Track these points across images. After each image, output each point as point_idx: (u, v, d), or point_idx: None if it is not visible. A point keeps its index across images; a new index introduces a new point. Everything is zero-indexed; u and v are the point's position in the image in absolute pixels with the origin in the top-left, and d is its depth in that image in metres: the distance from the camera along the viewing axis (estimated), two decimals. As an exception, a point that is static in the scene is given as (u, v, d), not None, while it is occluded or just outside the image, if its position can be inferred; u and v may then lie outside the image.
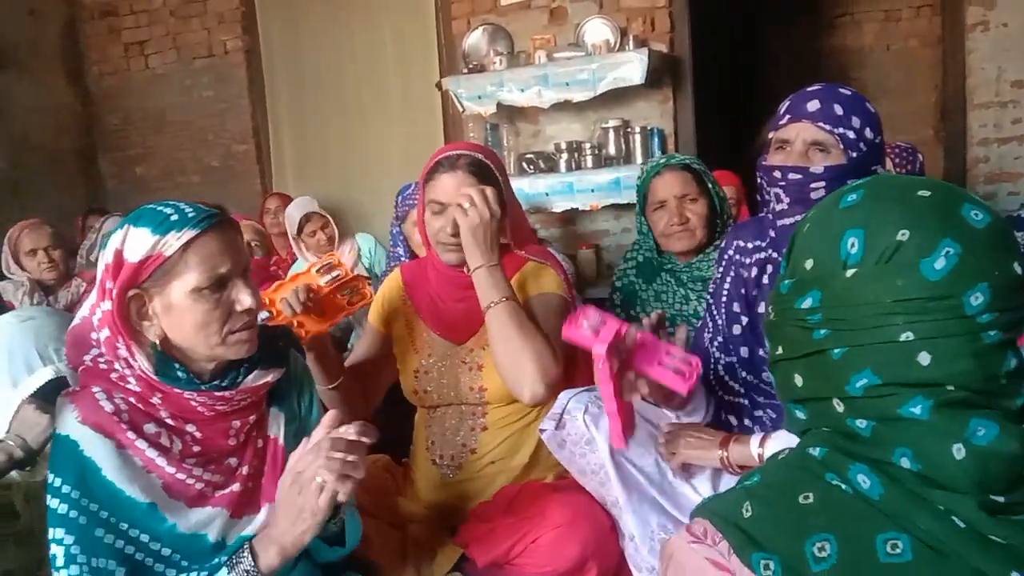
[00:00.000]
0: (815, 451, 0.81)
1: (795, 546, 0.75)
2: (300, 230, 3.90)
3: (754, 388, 1.66)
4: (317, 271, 1.79)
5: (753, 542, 0.77)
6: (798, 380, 0.84)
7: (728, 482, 1.62)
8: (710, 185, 2.39)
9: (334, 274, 1.78)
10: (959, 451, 0.73)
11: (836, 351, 0.79)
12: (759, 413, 1.68)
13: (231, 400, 1.31)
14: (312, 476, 1.18)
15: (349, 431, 1.21)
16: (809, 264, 0.83)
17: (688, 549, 0.82)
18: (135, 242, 1.22)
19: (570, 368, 1.76)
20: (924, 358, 0.75)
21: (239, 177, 5.17)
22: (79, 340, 1.31)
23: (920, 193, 0.80)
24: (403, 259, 2.89)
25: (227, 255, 1.25)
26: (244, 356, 1.30)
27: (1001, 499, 0.73)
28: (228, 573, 1.22)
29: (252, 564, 1.21)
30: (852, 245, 0.79)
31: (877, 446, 0.77)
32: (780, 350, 0.86)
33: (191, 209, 1.25)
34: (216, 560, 1.25)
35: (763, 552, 0.75)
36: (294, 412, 1.45)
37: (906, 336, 0.75)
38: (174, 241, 1.21)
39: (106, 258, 1.25)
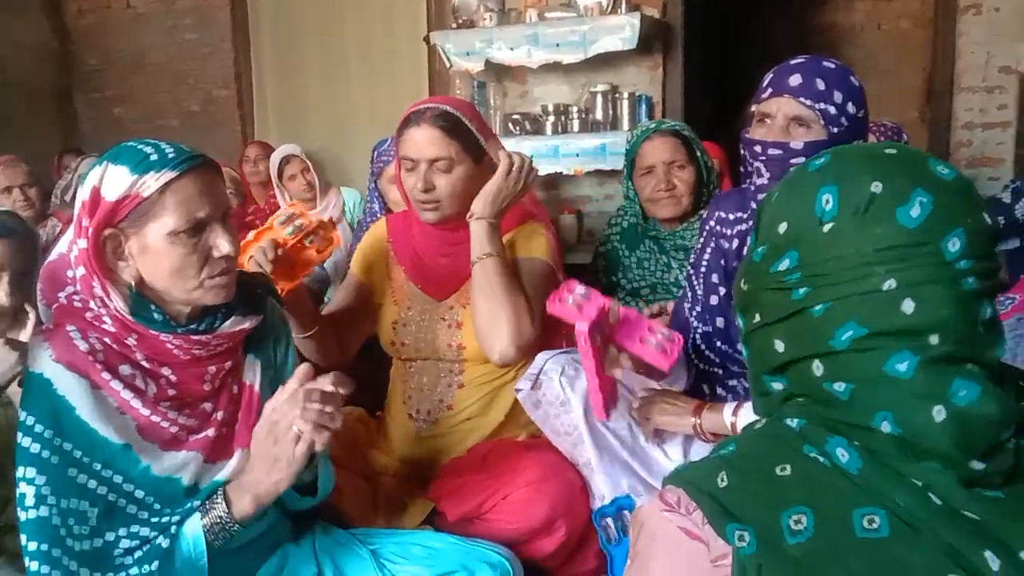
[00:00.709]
0: (793, 422, 0.81)
1: (771, 518, 0.74)
2: (281, 175, 3.86)
3: (729, 358, 1.67)
4: (280, 224, 1.75)
5: (728, 513, 0.76)
6: (778, 346, 0.82)
7: (699, 448, 1.64)
8: (699, 153, 2.39)
9: (297, 223, 1.74)
10: (939, 413, 0.73)
11: (818, 308, 0.78)
12: (733, 383, 1.70)
13: (207, 344, 1.29)
14: (288, 426, 1.17)
15: (325, 382, 1.20)
16: (783, 228, 0.83)
17: (661, 517, 0.81)
18: (113, 180, 1.20)
19: (548, 333, 1.76)
20: (908, 306, 0.75)
21: (219, 123, 5.09)
22: (54, 277, 1.29)
23: (887, 151, 0.81)
24: (379, 215, 2.87)
25: (206, 199, 1.22)
26: (221, 302, 1.29)
27: (980, 465, 0.73)
28: (201, 518, 1.22)
29: (226, 510, 1.21)
30: (827, 201, 0.80)
31: (855, 410, 0.77)
32: (757, 318, 0.85)
33: (172, 149, 1.22)
34: (189, 504, 1.25)
35: (738, 523, 0.75)
36: (270, 360, 1.44)
37: (888, 285, 0.75)
38: (152, 182, 1.18)
39: (83, 195, 1.22)
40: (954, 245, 0.75)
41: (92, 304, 1.25)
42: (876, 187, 0.78)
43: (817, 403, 0.80)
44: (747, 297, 0.87)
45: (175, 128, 5.11)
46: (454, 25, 4.01)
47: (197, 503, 1.25)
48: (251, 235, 1.76)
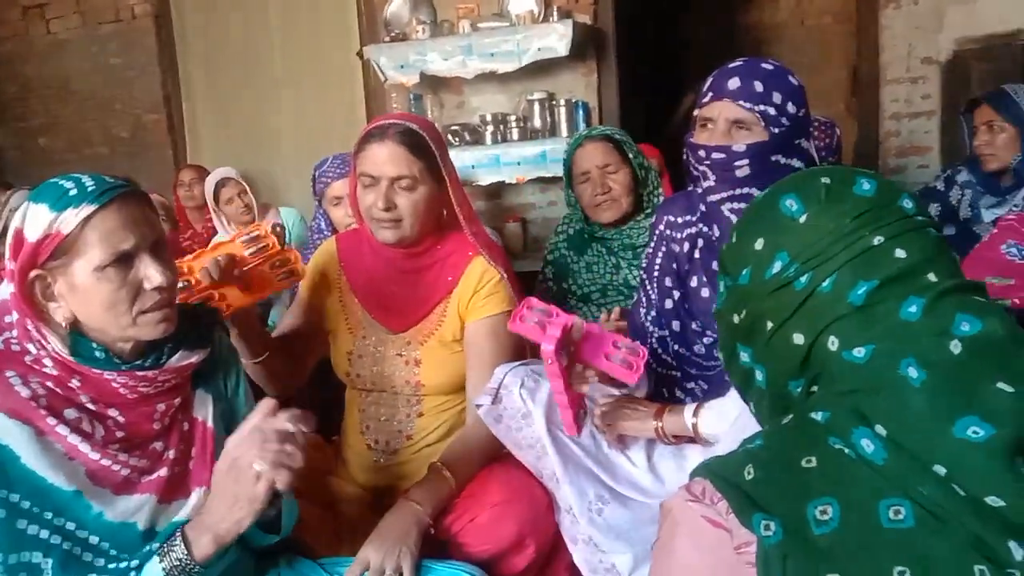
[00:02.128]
0: (818, 415, 0.82)
1: (797, 508, 0.75)
2: (217, 199, 3.79)
3: (686, 360, 1.68)
4: (242, 242, 1.70)
5: (754, 503, 0.77)
6: (797, 338, 0.87)
7: (662, 452, 1.65)
8: (631, 155, 2.42)
9: (260, 246, 1.69)
10: (956, 347, 0.78)
11: (825, 284, 0.86)
12: (691, 385, 1.71)
13: (154, 381, 1.25)
14: (249, 464, 1.13)
15: (283, 420, 1.17)
16: (759, 243, 0.91)
17: (685, 507, 0.84)
18: (33, 220, 1.16)
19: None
20: (900, 252, 0.84)
21: (150, 148, 4.98)
22: None
23: (820, 172, 0.94)
24: (326, 234, 2.82)
25: (129, 229, 1.17)
26: (160, 336, 1.24)
27: (1009, 388, 0.75)
28: (160, 562, 1.17)
29: (185, 552, 1.16)
30: (791, 204, 0.90)
31: (877, 371, 0.79)
32: (769, 325, 0.89)
33: (92, 182, 1.18)
34: (147, 548, 1.20)
35: (764, 513, 0.76)
36: (221, 392, 1.40)
37: (878, 240, 0.85)
38: (72, 218, 1.14)
39: (8, 237, 1.19)
40: (907, 204, 0.89)
41: (31, 347, 1.20)
42: (825, 180, 0.90)
43: (838, 384, 0.83)
44: (750, 319, 0.92)
45: (105, 156, 4.98)
46: (387, 39, 3.99)
47: (156, 546, 1.20)
48: (210, 247, 1.71)
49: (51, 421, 1.17)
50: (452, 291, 1.76)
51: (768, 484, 0.78)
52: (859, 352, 0.81)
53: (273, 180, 4.74)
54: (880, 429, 0.77)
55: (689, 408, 1.56)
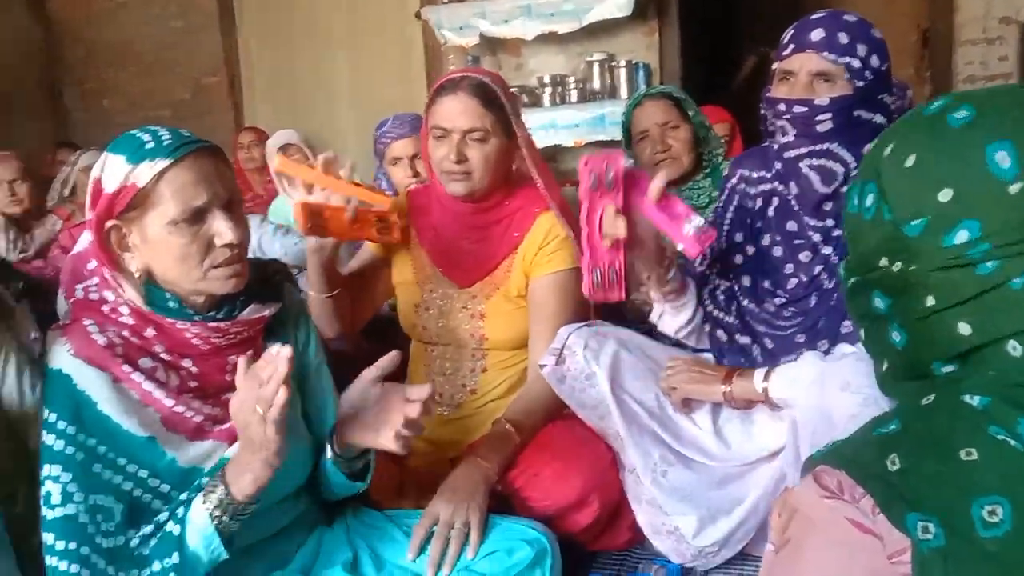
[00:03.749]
0: (973, 400, 0.70)
1: (959, 507, 0.64)
2: (277, 163, 3.81)
3: (754, 316, 1.64)
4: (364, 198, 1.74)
5: (905, 500, 0.66)
6: (963, 329, 0.73)
7: (729, 415, 1.63)
8: (691, 113, 2.38)
9: (377, 206, 1.75)
10: None
11: (1016, 281, 0.69)
12: (745, 341, 1.65)
13: (226, 332, 1.27)
14: (251, 409, 1.14)
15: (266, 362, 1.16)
16: (945, 195, 0.73)
17: (822, 505, 0.71)
18: (111, 171, 1.18)
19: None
20: None
21: (210, 110, 5.03)
22: (75, 269, 1.28)
23: None
24: (387, 194, 2.82)
25: (202, 186, 1.19)
26: (230, 292, 1.26)
27: None
28: (203, 502, 1.19)
29: (225, 492, 1.18)
30: (1003, 160, 0.70)
31: None
32: (930, 301, 0.74)
33: (169, 136, 1.20)
34: (196, 482, 1.23)
35: (919, 512, 0.65)
36: (291, 346, 1.41)
37: None
38: (147, 171, 1.16)
39: (90, 186, 1.22)
40: None
41: (108, 295, 1.23)
42: None
43: (1011, 385, 0.70)
44: (903, 280, 0.76)
45: (167, 118, 5.05)
46: (445, 0, 3.95)
47: (205, 480, 1.23)
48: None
49: (127, 368, 1.20)
50: (518, 246, 1.76)
51: (919, 477, 0.67)
52: None
53: (330, 142, 4.75)
54: None
55: (760, 372, 1.53)
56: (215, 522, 1.17)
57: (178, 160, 1.17)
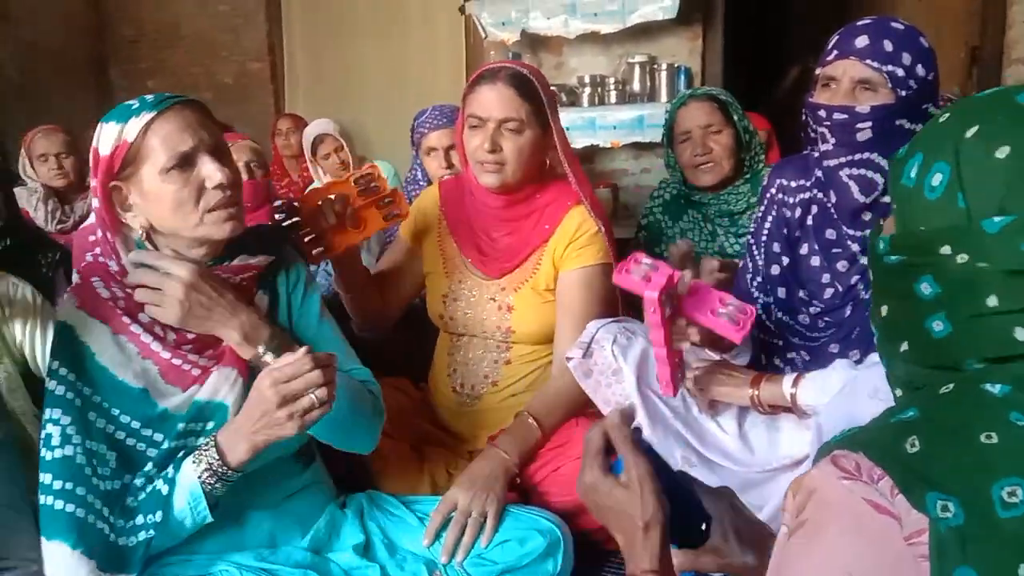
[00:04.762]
0: (995, 388, 0.69)
1: (979, 487, 0.64)
2: (314, 152, 3.84)
3: (788, 329, 1.63)
4: (355, 182, 1.72)
5: (925, 480, 0.65)
6: (1020, 335, 0.70)
7: (754, 420, 1.61)
8: (736, 117, 2.35)
9: (372, 186, 1.72)
10: None
11: None
12: (791, 355, 1.65)
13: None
14: (291, 393, 1.17)
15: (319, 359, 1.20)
16: None
17: (839, 486, 0.69)
18: (105, 135, 1.25)
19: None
20: None
21: (253, 96, 5.08)
22: (81, 241, 1.37)
23: None
24: (422, 184, 2.83)
25: (188, 132, 1.25)
26: (228, 235, 1.30)
27: None
28: (193, 464, 1.22)
29: (217, 457, 1.21)
30: None
31: None
32: (994, 301, 0.71)
33: (153, 96, 1.27)
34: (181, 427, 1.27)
35: (939, 492, 0.64)
36: (277, 294, 1.44)
37: None
38: (135, 126, 1.23)
39: (90, 157, 1.29)
40: None
41: (111, 263, 1.29)
42: None
43: None
44: (966, 274, 0.72)
45: (208, 101, 4.98)
46: (490, -6, 3.95)
47: (200, 432, 1.27)
48: (321, 185, 1.74)
49: (126, 320, 1.27)
50: (548, 240, 1.76)
51: (940, 459, 0.66)
52: None
53: (370, 132, 4.78)
54: None
55: (788, 378, 1.51)
56: (204, 485, 1.21)
57: (162, 112, 1.24)
